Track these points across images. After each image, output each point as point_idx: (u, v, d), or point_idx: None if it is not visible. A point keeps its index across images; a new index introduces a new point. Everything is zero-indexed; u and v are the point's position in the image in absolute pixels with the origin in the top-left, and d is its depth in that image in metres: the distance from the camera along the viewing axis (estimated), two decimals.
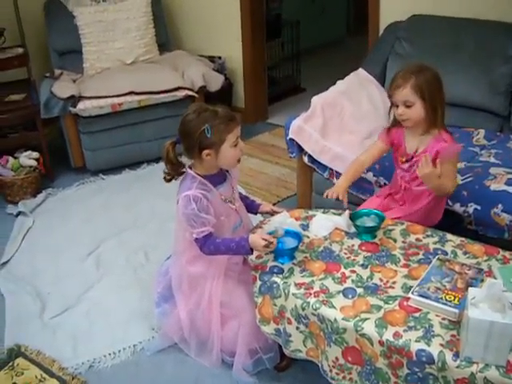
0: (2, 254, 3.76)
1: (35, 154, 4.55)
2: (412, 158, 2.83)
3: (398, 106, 2.75)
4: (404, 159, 2.87)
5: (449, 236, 2.62)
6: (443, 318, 2.11)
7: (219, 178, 2.65)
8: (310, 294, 2.30)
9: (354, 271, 2.41)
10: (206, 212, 2.52)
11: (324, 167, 3.56)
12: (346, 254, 2.53)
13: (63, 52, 5.18)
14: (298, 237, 2.57)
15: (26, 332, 3.07)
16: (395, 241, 2.60)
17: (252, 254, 2.56)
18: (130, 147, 4.83)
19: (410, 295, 2.21)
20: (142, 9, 5.22)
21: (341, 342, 2.20)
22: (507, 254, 2.47)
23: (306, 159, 3.64)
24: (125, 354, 2.93)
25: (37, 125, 4.62)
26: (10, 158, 4.47)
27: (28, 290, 3.39)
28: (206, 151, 2.50)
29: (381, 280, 2.35)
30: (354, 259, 2.49)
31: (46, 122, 4.66)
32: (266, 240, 2.46)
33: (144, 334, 3.02)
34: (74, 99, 4.50)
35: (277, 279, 2.41)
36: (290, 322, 2.38)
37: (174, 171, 2.64)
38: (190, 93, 4.80)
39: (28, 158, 4.50)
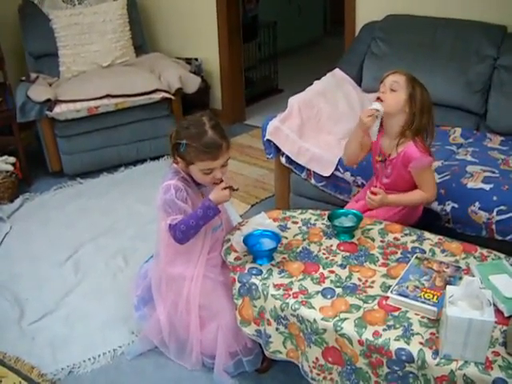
0: None
1: (11, 159, 4.51)
2: (385, 159, 2.84)
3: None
4: (379, 158, 2.88)
5: (427, 234, 2.64)
6: (422, 317, 2.12)
7: None
8: (289, 294, 2.30)
9: (332, 271, 2.41)
10: (184, 202, 2.53)
11: (301, 168, 3.56)
12: (324, 254, 2.53)
13: (39, 55, 5.13)
14: (276, 238, 2.57)
15: (4, 339, 3.04)
16: (373, 240, 2.61)
17: (220, 212, 2.57)
18: (107, 150, 4.80)
19: (388, 294, 2.21)
20: (118, 11, 5.19)
21: (321, 342, 2.20)
22: (485, 251, 2.49)
23: (283, 160, 3.64)
24: (105, 358, 2.91)
25: (13, 129, 4.59)
26: None
27: (6, 295, 3.35)
28: (177, 159, 2.54)
29: (359, 280, 2.35)
30: (332, 259, 2.49)
31: (22, 126, 4.63)
32: (226, 188, 2.50)
33: (124, 338, 3.00)
34: (51, 103, 4.46)
35: (255, 280, 2.41)
36: (269, 323, 2.38)
37: None
38: (167, 95, 4.77)
39: (4, 163, 4.46)
